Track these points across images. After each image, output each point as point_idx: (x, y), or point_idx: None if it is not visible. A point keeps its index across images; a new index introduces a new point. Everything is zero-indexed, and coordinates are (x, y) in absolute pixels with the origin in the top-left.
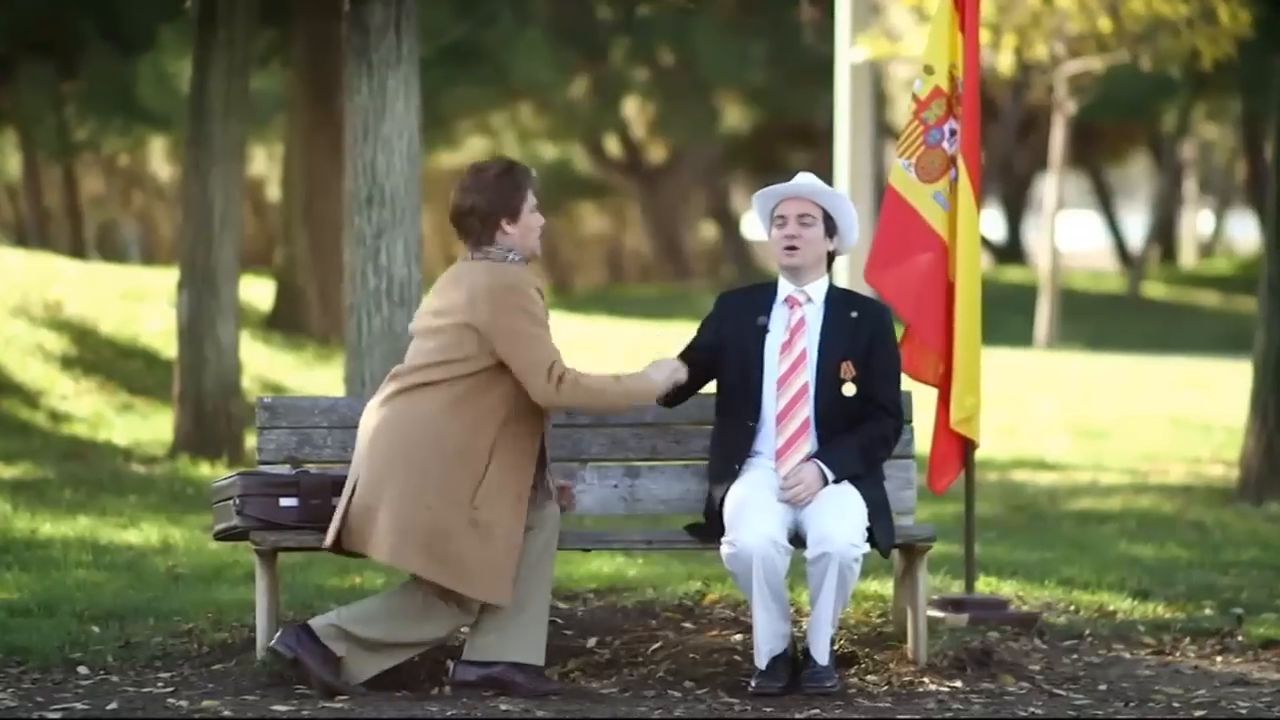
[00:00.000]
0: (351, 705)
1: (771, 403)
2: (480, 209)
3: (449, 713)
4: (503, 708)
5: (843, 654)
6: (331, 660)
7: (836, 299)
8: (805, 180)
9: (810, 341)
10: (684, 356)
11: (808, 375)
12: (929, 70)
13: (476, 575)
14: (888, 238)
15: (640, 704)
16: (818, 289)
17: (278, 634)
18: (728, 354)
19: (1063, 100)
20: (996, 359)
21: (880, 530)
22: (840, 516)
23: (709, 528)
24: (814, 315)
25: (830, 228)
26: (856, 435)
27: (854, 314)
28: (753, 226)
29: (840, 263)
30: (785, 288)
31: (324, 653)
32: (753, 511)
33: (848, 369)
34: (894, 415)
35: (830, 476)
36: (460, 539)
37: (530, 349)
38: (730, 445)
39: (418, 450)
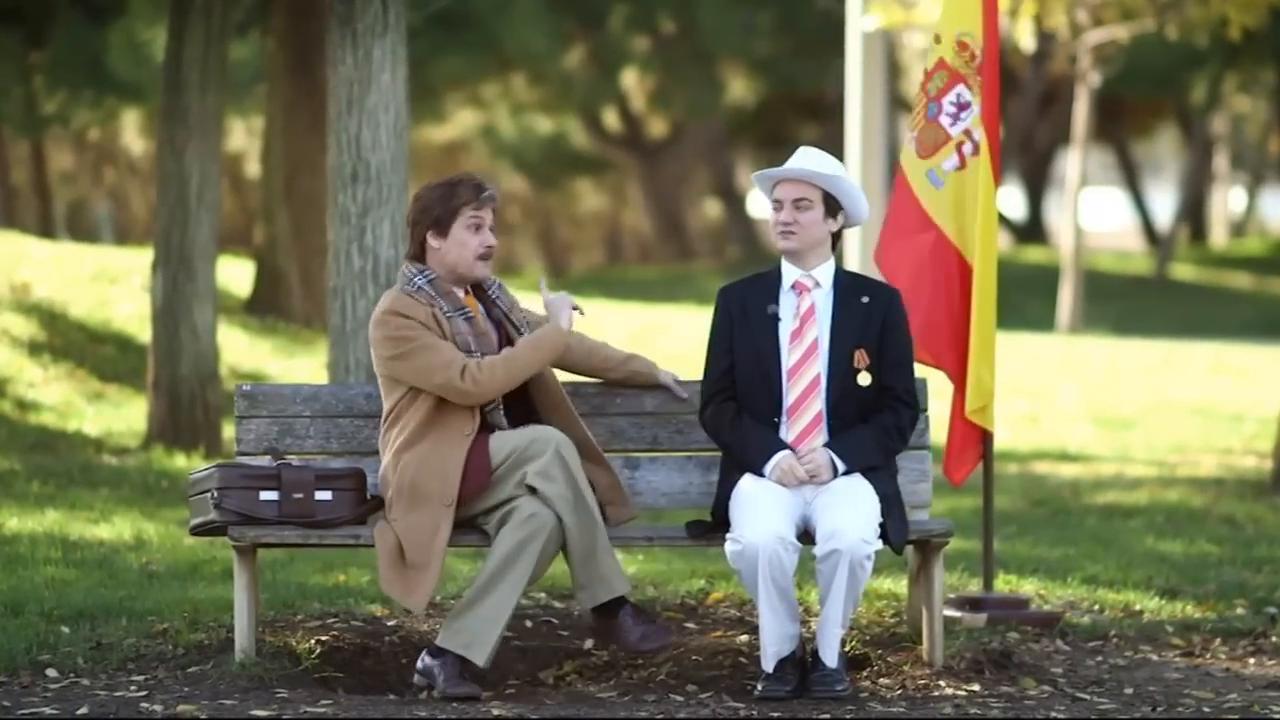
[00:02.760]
0: (336, 710)
1: (783, 394)
2: (410, 219)
3: (439, 716)
4: (495, 713)
5: (854, 656)
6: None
7: (845, 283)
8: (801, 161)
9: (821, 329)
10: (717, 370)
11: (820, 365)
12: (937, 40)
13: (381, 571)
14: (891, 218)
15: (640, 708)
16: (824, 273)
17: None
18: (741, 348)
19: (1086, 71)
20: (1016, 344)
21: (893, 526)
22: (851, 511)
23: (717, 524)
24: (823, 301)
25: (832, 206)
26: (871, 426)
27: (865, 299)
28: (758, 204)
29: (852, 245)
30: (791, 272)
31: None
32: (759, 507)
33: (862, 357)
34: (909, 405)
35: (840, 467)
36: (380, 542)
37: (426, 365)
38: None
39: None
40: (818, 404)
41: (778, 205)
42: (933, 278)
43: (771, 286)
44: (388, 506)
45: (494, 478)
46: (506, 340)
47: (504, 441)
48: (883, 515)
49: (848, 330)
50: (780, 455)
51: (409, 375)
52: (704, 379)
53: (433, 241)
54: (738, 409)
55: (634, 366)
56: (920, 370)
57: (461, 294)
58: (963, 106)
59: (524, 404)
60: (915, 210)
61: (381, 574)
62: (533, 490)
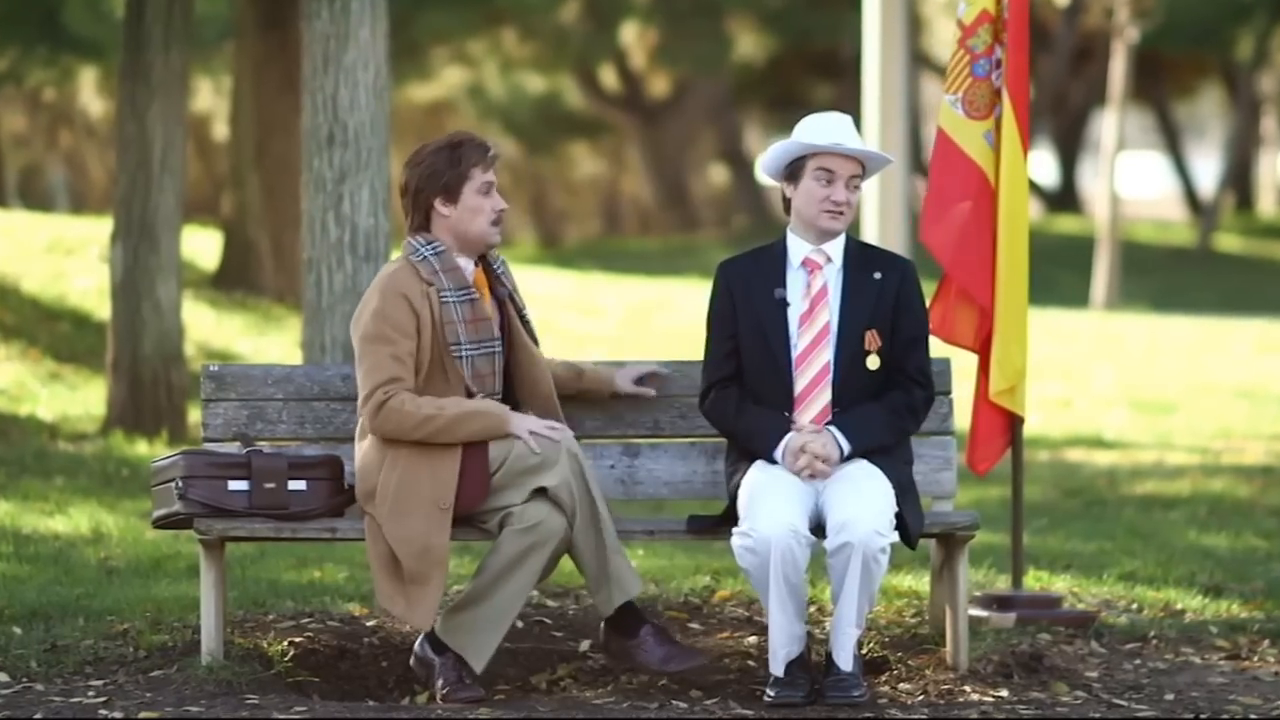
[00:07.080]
0: (311, 716)
1: (792, 383)
2: (411, 187)
3: None
4: None
5: (871, 659)
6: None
7: (856, 257)
8: (851, 135)
9: (832, 310)
10: (719, 353)
11: (829, 353)
12: None
13: (376, 583)
14: (939, 188)
15: (641, 714)
16: (835, 247)
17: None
18: (746, 334)
19: (1123, 26)
20: (1048, 321)
21: (906, 519)
22: (863, 501)
23: (721, 519)
24: (834, 279)
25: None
26: (880, 404)
27: (877, 274)
28: None
29: (870, 218)
30: (799, 248)
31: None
32: (770, 497)
33: (873, 339)
34: (924, 386)
35: (845, 448)
36: (372, 552)
37: (359, 363)
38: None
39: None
40: (827, 392)
41: (826, 177)
42: (978, 247)
43: (777, 264)
44: (370, 502)
45: (493, 483)
46: (508, 323)
47: (502, 447)
48: (896, 506)
49: (859, 310)
50: (789, 436)
51: (357, 353)
52: (704, 363)
53: (442, 209)
54: (741, 394)
55: (586, 384)
56: (945, 350)
57: (470, 270)
58: (999, 65)
59: (511, 401)
60: (972, 177)
61: (378, 588)
62: (541, 490)
